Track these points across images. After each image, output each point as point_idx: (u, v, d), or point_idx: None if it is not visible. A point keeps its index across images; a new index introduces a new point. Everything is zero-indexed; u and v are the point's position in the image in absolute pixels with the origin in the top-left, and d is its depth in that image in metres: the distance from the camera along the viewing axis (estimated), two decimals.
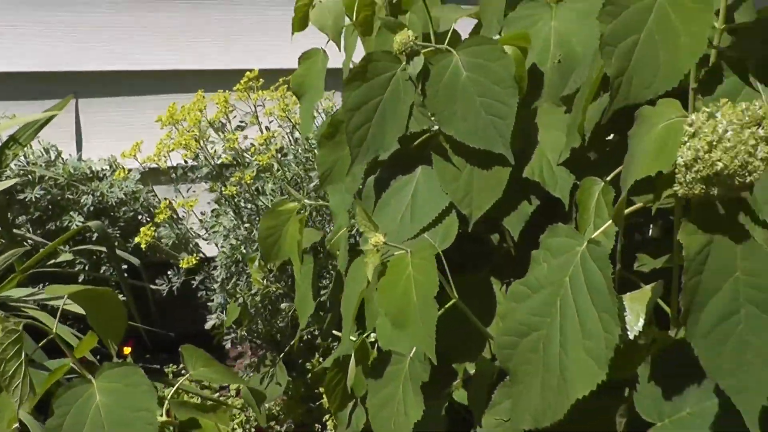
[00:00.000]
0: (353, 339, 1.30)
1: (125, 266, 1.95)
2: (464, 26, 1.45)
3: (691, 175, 0.71)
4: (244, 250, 1.69)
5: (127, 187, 1.96)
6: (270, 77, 1.90)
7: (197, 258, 1.67)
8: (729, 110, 0.71)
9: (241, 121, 1.80)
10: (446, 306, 1.10)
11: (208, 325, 1.75)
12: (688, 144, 0.71)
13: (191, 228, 1.84)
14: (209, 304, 1.74)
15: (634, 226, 1.36)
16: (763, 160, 0.70)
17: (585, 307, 0.88)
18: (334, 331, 1.55)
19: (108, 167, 2.05)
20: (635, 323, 0.90)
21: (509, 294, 0.99)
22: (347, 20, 1.45)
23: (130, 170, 1.99)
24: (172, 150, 1.69)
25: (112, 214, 1.98)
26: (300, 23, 1.44)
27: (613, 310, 0.84)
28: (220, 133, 1.79)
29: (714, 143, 0.70)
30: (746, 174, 0.70)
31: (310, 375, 1.80)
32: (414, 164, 1.22)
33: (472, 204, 1.14)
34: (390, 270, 1.05)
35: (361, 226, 1.06)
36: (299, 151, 1.76)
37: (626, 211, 0.87)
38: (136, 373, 1.27)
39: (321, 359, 1.78)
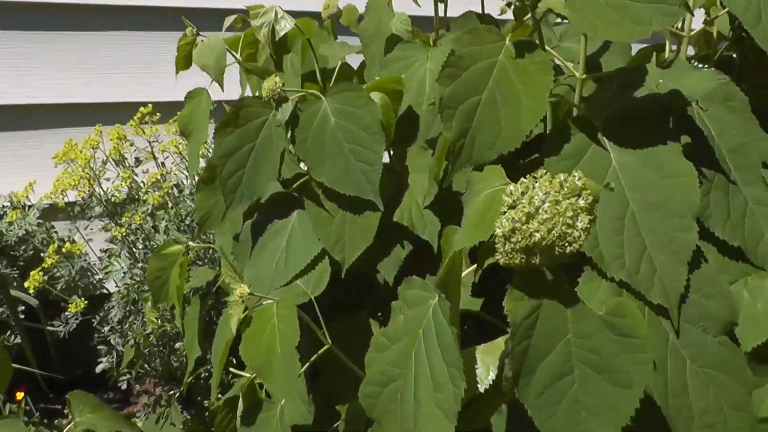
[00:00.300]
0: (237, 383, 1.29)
1: (23, 307, 1.90)
2: (359, 59, 1.46)
3: (510, 246, 0.71)
4: (144, 287, 1.67)
5: (28, 225, 1.92)
6: (173, 110, 1.88)
7: (84, 303, 1.65)
8: (546, 181, 0.71)
9: (137, 158, 1.78)
10: (319, 352, 1.11)
11: (98, 369, 1.72)
12: (506, 215, 0.71)
13: (93, 264, 1.82)
14: (99, 347, 1.71)
15: None
16: (584, 230, 0.71)
17: (436, 360, 0.89)
18: (232, 369, 1.54)
19: (9, 204, 2.01)
20: (486, 376, 0.91)
21: (372, 344, 0.99)
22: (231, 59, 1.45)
23: (30, 206, 1.96)
24: (65, 190, 1.66)
25: (11, 253, 1.94)
26: (183, 62, 1.43)
27: (459, 365, 0.84)
28: (121, 167, 1.77)
29: (531, 214, 0.71)
30: (566, 244, 0.71)
31: (207, 413, 1.78)
32: (291, 208, 1.22)
33: (344, 250, 1.14)
34: (255, 321, 1.05)
35: (227, 277, 1.06)
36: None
37: (465, 272, 0.88)
38: (16, 425, 1.27)
39: (219, 396, 1.76)
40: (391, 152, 1.27)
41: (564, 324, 0.77)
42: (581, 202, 0.71)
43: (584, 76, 1.05)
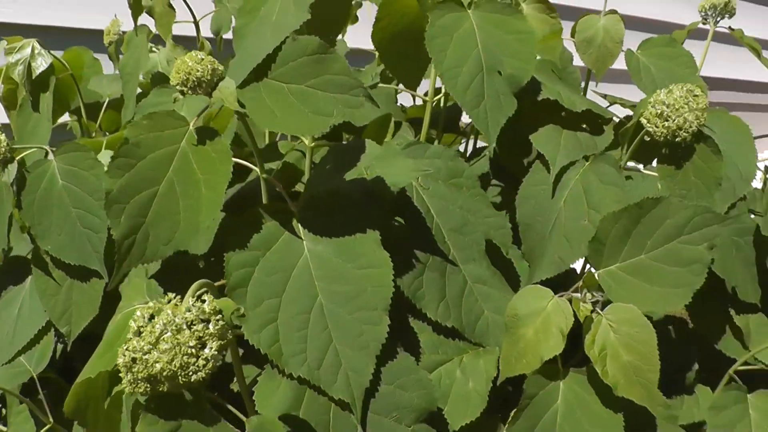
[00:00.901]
0: None
1: None
2: None
3: (132, 376, 0.67)
4: None
5: None
6: None
7: None
8: (169, 308, 0.67)
9: None
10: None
11: None
12: (129, 343, 0.66)
13: None
14: None
15: None
16: (212, 358, 0.67)
17: None
18: None
19: None
20: None
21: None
22: None
23: None
24: None
25: None
26: None
27: None
28: None
29: (153, 343, 0.66)
30: (190, 374, 0.67)
31: None
32: (26, 274, 1.16)
33: (71, 321, 1.08)
34: None
35: None
36: None
37: None
38: None
39: None
40: None
41: None
42: (211, 328, 0.67)
43: (313, 144, 1.03)
